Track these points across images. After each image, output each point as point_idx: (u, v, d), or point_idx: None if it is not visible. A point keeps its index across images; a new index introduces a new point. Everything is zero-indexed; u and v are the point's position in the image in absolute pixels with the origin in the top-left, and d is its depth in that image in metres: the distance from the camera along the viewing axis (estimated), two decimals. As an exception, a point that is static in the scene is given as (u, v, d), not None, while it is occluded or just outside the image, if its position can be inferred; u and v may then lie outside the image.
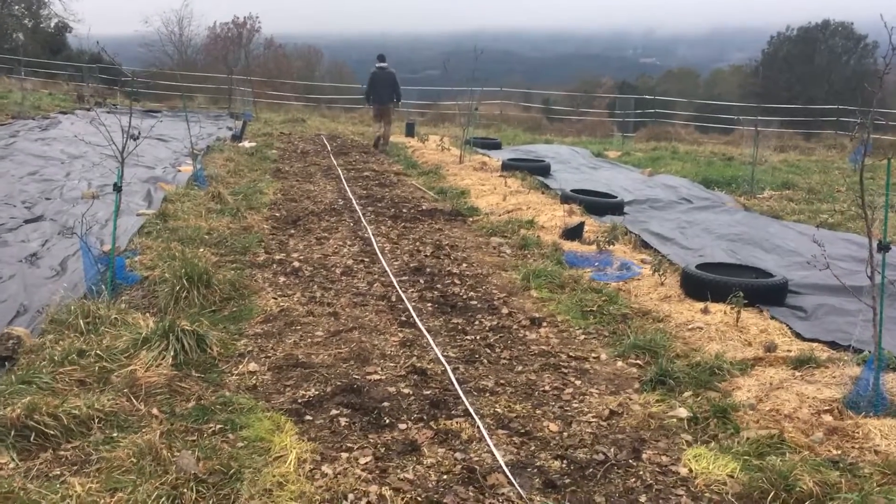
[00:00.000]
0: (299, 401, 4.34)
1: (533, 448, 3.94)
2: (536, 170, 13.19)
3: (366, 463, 3.69)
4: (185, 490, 3.30)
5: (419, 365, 4.90)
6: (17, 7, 37.33)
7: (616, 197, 10.76)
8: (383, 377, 4.70)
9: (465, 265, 7.42)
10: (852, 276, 6.47)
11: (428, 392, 4.53)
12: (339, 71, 44.56)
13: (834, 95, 33.60)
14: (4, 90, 23.75)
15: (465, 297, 6.45)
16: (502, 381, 4.74)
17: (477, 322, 5.85)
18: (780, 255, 8.17)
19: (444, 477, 3.61)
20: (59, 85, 28.15)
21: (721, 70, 55.26)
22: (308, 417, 4.15)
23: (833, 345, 5.37)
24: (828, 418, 4.12)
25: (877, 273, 4.29)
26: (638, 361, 5.13)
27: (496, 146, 17.37)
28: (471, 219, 9.59)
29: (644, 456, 3.87)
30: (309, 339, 5.31)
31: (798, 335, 5.60)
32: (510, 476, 3.60)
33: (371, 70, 16.71)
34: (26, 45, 33.37)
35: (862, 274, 4.51)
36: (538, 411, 4.35)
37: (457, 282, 6.85)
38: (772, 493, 3.43)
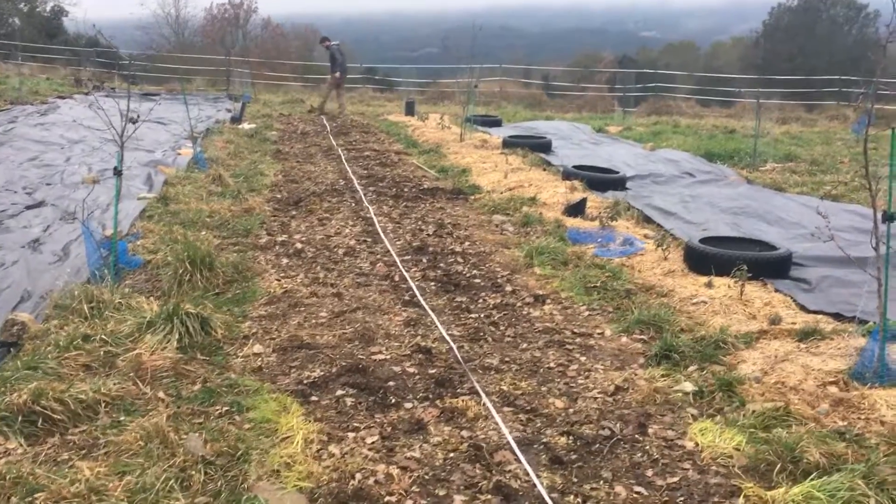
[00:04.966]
0: (305, 382, 4.35)
1: (539, 425, 3.95)
2: (537, 146, 13.12)
3: (372, 442, 3.70)
4: (194, 472, 3.32)
5: (424, 344, 4.90)
6: (11, -9, 37.06)
7: (618, 172, 10.71)
8: (388, 357, 4.71)
9: (467, 243, 7.41)
10: (857, 248, 6.40)
11: (433, 371, 4.54)
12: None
13: (836, 66, 33.31)
14: (2, 76, 23.64)
15: (468, 275, 6.44)
16: (507, 359, 4.74)
17: (481, 300, 5.84)
18: (784, 228, 8.14)
19: (451, 455, 3.62)
20: (56, 69, 28.00)
21: (722, 42, 54.82)
22: (314, 398, 4.16)
23: (838, 316, 5.35)
24: (833, 390, 4.12)
25: (882, 244, 4.27)
26: (642, 336, 5.13)
27: (497, 123, 17.29)
28: (472, 197, 9.56)
29: (650, 430, 3.88)
30: (313, 321, 5.31)
31: (802, 307, 5.60)
32: (518, 453, 3.61)
33: (333, 45, 19.62)
34: (22, 29, 33.12)
35: (866, 245, 4.48)
36: (543, 388, 4.36)
37: (460, 260, 6.84)
38: (778, 466, 3.44)
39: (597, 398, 4.25)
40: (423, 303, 5.67)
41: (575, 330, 5.27)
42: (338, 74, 19.52)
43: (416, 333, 5.11)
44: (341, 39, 21.40)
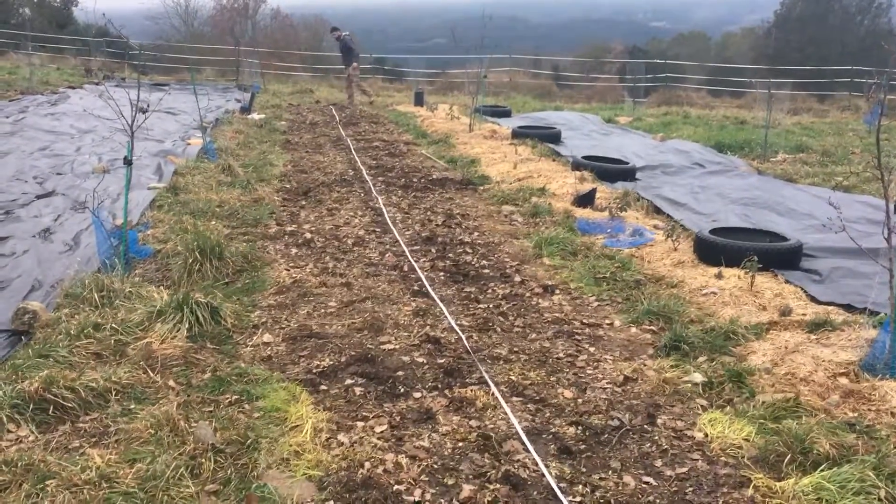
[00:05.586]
0: (314, 371, 4.36)
1: (548, 415, 3.95)
2: (547, 137, 13.09)
3: (381, 431, 3.71)
4: (204, 460, 3.33)
5: (433, 334, 4.90)
6: (22, -18, 37.07)
7: (628, 163, 10.67)
8: (397, 346, 4.72)
9: (476, 234, 7.40)
10: (868, 239, 6.39)
11: (442, 361, 4.54)
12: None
13: (848, 56, 33.02)
14: (13, 66, 23.72)
15: (477, 265, 6.43)
16: (516, 349, 4.74)
17: (490, 290, 5.84)
18: (795, 219, 8.10)
19: (460, 444, 3.63)
20: (66, 59, 28.06)
21: (732, 33, 54.40)
22: (323, 387, 4.17)
23: (849, 308, 5.33)
24: (844, 381, 4.11)
25: (894, 235, 4.24)
26: (652, 327, 5.12)
27: (506, 114, 17.26)
28: (482, 187, 9.55)
29: (659, 421, 3.87)
30: (322, 310, 5.32)
31: (813, 299, 5.57)
32: (526, 442, 3.62)
33: (345, 35, 19.54)
34: (33, 19, 33.18)
35: (878, 236, 4.46)
36: (552, 378, 4.36)
37: (469, 251, 6.84)
38: (788, 457, 3.43)
39: (606, 388, 4.25)
40: (431, 293, 5.67)
41: (584, 320, 5.26)
42: (355, 65, 19.54)
43: (425, 323, 5.11)
44: (350, 30, 21.34)
